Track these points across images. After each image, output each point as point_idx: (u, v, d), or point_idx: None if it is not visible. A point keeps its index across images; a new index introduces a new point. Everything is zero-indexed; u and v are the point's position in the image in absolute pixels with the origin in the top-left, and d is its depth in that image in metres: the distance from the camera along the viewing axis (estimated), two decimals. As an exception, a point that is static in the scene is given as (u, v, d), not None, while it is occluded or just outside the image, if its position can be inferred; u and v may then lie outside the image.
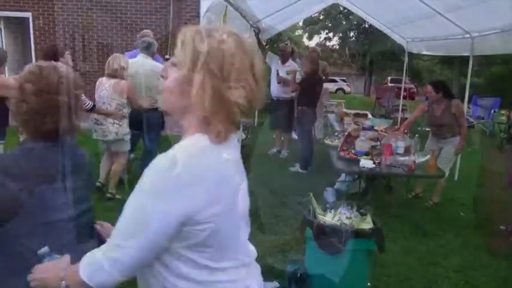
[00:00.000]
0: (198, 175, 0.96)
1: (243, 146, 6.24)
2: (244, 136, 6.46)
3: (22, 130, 1.40)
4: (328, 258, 2.67)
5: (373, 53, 25.36)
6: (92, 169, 4.04)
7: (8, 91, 3.37)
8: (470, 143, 7.76)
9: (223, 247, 1.06)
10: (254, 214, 4.21)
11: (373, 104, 13.01)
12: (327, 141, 4.97)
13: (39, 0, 9.53)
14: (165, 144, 5.52)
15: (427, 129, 5.86)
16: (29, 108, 1.29)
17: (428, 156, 4.10)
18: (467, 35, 5.47)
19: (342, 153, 4.26)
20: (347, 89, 32.14)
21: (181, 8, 9.41)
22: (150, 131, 4.91)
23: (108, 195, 4.48)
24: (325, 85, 7.79)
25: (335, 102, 10.78)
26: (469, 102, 9.00)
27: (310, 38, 29.15)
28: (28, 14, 9.64)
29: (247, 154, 6.43)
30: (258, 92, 1.01)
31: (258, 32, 6.47)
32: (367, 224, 2.75)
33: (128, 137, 4.55)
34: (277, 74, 6.45)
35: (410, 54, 8.52)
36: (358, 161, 4.00)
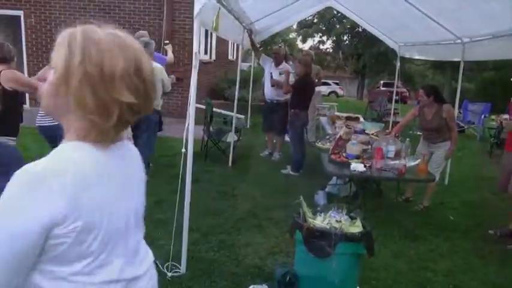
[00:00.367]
0: (59, 170, 0.89)
1: (234, 148, 6.25)
2: (236, 138, 6.44)
3: None
4: (318, 261, 2.67)
5: (366, 57, 25.49)
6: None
7: (22, 87, 3.43)
8: (460, 147, 7.83)
9: (99, 256, 0.96)
10: (245, 216, 4.22)
11: (365, 108, 13.07)
12: (319, 144, 4.97)
13: (31, -1, 9.46)
14: (163, 145, 5.56)
15: (418, 133, 5.90)
16: None
17: (418, 161, 4.11)
18: (459, 41, 5.51)
19: (333, 157, 4.26)
20: (340, 92, 32.25)
21: (175, 9, 9.39)
22: (147, 131, 5.00)
23: None
24: (318, 88, 7.81)
25: (327, 105, 10.83)
26: (459, 107, 9.07)
27: (304, 40, 29.26)
28: (20, 13, 9.56)
29: (239, 156, 6.43)
30: (145, 89, 0.98)
31: (251, 33, 6.46)
32: (356, 228, 2.75)
33: (130, 135, 4.59)
34: (271, 76, 6.45)
35: (403, 59, 8.57)
36: (349, 164, 4.01)
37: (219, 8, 4.05)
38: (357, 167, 3.90)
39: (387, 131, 5.70)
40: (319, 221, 2.81)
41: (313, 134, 7.79)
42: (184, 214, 3.07)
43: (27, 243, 0.87)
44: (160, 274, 3.02)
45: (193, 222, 3.82)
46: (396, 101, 9.09)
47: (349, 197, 4.81)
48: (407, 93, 25.72)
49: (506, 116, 4.03)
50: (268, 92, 6.59)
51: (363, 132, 5.44)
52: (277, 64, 6.51)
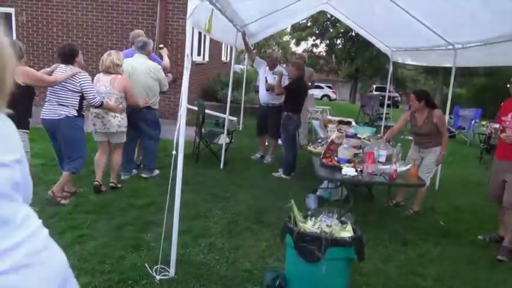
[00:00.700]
0: None
1: (226, 150, 6.23)
2: (228, 140, 6.42)
3: None
4: (308, 266, 2.66)
5: (359, 61, 25.64)
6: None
7: (34, 81, 3.81)
8: (451, 152, 7.88)
9: None
10: (236, 219, 4.20)
11: (358, 112, 13.11)
12: (310, 148, 4.96)
13: (23, -4, 9.36)
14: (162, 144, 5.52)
15: (409, 137, 5.92)
16: None
17: (409, 165, 4.12)
18: (450, 47, 5.55)
19: (324, 161, 4.26)
20: (332, 95, 32.41)
21: (168, 10, 9.35)
22: (147, 129, 5.18)
23: (111, 184, 4.77)
24: (311, 91, 7.82)
25: (320, 108, 10.85)
26: (450, 112, 9.14)
27: (297, 44, 29.34)
28: (11, 10, 9.46)
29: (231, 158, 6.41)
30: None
31: (244, 35, 6.45)
32: (347, 233, 2.75)
33: (126, 129, 4.76)
34: (266, 81, 6.43)
35: (395, 63, 8.62)
36: (341, 168, 4.01)
37: (212, 10, 4.04)
38: (348, 171, 3.90)
39: (379, 135, 5.71)
40: (310, 226, 2.80)
41: (305, 137, 7.79)
42: (174, 216, 3.04)
43: None
44: (149, 277, 2.99)
45: (184, 225, 3.80)
46: (388, 106, 9.12)
47: (341, 200, 4.81)
48: (399, 98, 25.92)
49: (496, 126, 4.02)
50: (263, 96, 6.57)
51: (354, 136, 5.45)
52: (272, 68, 6.50)
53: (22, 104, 3.69)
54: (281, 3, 6.15)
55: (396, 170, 3.88)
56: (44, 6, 9.44)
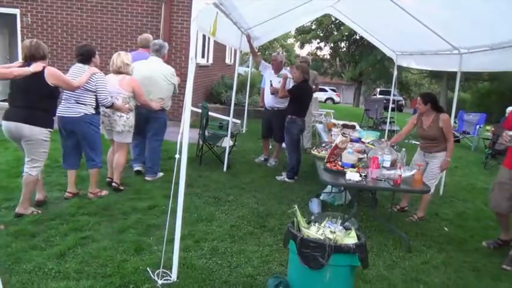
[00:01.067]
0: None
1: (230, 153, 6.21)
2: (232, 143, 6.40)
3: None
4: (311, 272, 2.63)
5: (363, 64, 25.59)
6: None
7: (62, 83, 3.89)
8: (455, 157, 7.83)
9: None
10: (239, 223, 4.17)
11: (362, 115, 13.07)
12: (314, 152, 4.93)
13: (29, -3, 9.39)
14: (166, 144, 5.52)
15: (414, 142, 5.88)
16: None
17: (414, 171, 4.08)
18: (456, 51, 5.51)
19: (328, 165, 4.23)
20: (336, 98, 32.42)
21: (173, 12, 9.36)
22: (157, 130, 5.29)
23: (114, 185, 4.81)
24: (315, 94, 7.79)
25: (324, 111, 10.83)
26: (455, 117, 9.08)
27: (301, 46, 29.34)
28: (16, 11, 9.49)
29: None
30: None
31: (249, 38, 6.43)
32: (351, 239, 2.72)
33: (132, 129, 4.81)
34: (271, 84, 6.41)
35: (400, 67, 8.57)
36: (345, 173, 3.97)
37: (217, 13, 4.02)
38: (353, 176, 3.86)
39: (383, 140, 5.67)
40: (314, 232, 2.77)
41: (308, 140, 7.76)
42: (176, 220, 3.02)
43: None
44: (151, 281, 2.97)
45: (186, 228, 3.78)
46: (392, 110, 9.08)
47: (344, 205, 4.78)
48: (403, 102, 25.82)
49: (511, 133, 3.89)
50: (269, 99, 6.54)
51: (359, 140, 5.42)
52: (277, 71, 6.48)
53: (51, 104, 3.93)
54: (286, 7, 6.13)
55: (401, 176, 3.84)
56: (49, 8, 9.47)
